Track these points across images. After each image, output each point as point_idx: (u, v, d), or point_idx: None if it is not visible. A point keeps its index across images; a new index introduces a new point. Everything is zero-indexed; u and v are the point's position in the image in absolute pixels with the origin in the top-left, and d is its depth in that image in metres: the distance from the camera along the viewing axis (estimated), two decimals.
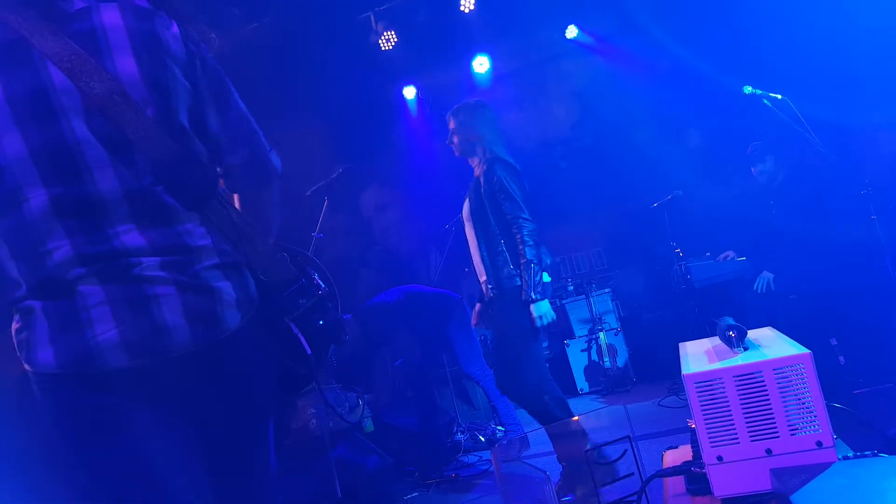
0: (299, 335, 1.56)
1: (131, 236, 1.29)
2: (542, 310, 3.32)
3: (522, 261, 3.32)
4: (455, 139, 3.58)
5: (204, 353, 1.33)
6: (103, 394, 1.27)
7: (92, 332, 1.24)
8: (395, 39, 6.45)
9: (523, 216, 3.34)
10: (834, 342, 4.23)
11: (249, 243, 1.47)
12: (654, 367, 6.08)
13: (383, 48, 6.50)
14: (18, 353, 1.31)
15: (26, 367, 1.30)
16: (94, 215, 1.27)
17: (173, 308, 1.29)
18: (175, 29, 1.41)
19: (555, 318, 3.41)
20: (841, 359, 4.21)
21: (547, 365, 3.61)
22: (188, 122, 1.41)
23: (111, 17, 1.33)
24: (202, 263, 1.36)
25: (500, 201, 3.38)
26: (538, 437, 4.94)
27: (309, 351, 1.57)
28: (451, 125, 3.60)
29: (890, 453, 1.45)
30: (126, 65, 1.32)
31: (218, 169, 1.54)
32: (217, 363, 1.36)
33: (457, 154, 3.62)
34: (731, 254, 5.26)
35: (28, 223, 1.25)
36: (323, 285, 1.66)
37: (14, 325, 1.31)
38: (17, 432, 3.31)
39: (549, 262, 3.47)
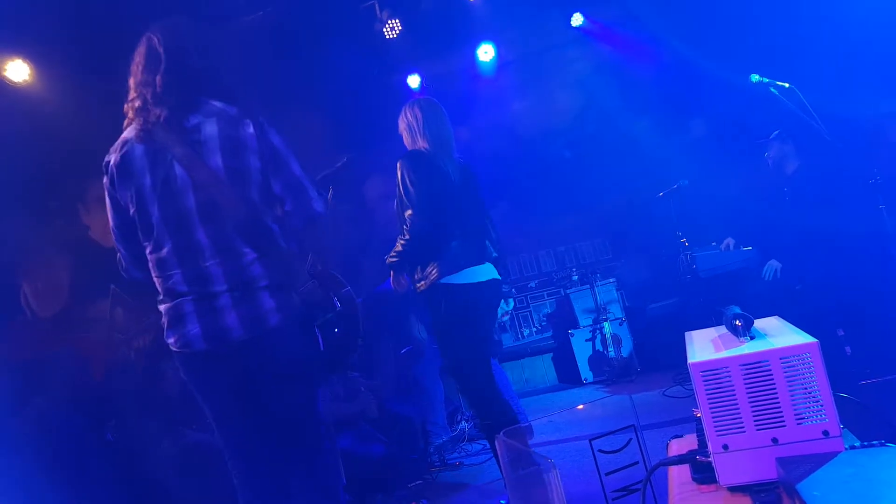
0: (319, 336, 2.39)
1: (211, 267, 2.14)
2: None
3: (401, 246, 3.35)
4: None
5: (253, 340, 2.15)
6: (195, 362, 2.19)
7: (189, 330, 2.15)
8: (400, 28, 6.41)
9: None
10: (840, 332, 4.21)
11: (292, 272, 2.29)
12: (658, 357, 6.07)
13: (388, 36, 6.46)
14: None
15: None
16: (194, 255, 2.14)
17: (231, 317, 2.14)
18: (251, 128, 2.19)
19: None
20: (847, 349, 4.19)
21: (484, 365, 3.44)
22: (258, 192, 2.21)
23: (211, 129, 2.16)
24: (256, 285, 2.17)
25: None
26: (541, 425, 4.96)
27: (322, 348, 2.39)
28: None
29: None
30: (216, 161, 2.14)
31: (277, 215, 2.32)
32: (262, 346, 2.17)
33: None
34: (731, 241, 5.24)
35: (163, 259, 2.16)
36: (339, 305, 2.48)
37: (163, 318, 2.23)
38: (16, 435, 3.33)
39: (461, 262, 3.35)
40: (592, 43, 7.02)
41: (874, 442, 1.46)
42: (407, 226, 3.27)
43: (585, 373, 6.45)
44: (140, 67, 2.24)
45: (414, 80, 7.19)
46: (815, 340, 1.47)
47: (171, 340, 2.19)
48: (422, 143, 3.44)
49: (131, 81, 2.27)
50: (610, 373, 6.27)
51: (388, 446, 4.28)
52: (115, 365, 3.96)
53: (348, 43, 6.22)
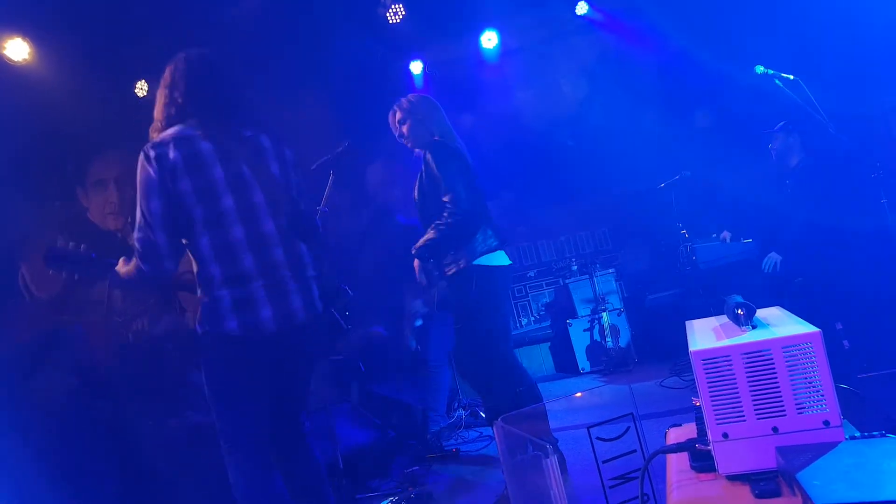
0: (338, 317, 2.89)
1: (278, 254, 2.40)
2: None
3: (437, 231, 3.37)
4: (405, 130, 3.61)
5: (307, 324, 2.45)
6: (261, 348, 2.34)
7: (261, 315, 2.32)
8: (404, 13, 6.36)
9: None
10: (839, 326, 4.21)
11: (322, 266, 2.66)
12: (656, 348, 6.08)
13: (391, 21, 6.41)
14: (204, 319, 2.31)
15: (207, 328, 2.31)
16: (262, 242, 2.38)
17: (297, 301, 2.42)
18: (289, 151, 2.59)
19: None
20: (845, 343, 4.19)
21: (505, 353, 3.54)
22: (298, 198, 2.59)
23: (266, 141, 2.53)
24: (307, 274, 2.50)
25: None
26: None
27: (345, 326, 2.93)
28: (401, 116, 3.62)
29: None
30: (273, 167, 2.50)
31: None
32: (312, 329, 2.50)
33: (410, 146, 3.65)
34: (728, 234, 5.23)
35: (233, 244, 2.32)
36: (350, 292, 2.95)
37: (203, 301, 2.33)
38: (12, 434, 3.33)
39: (493, 243, 3.44)
40: (597, 32, 6.96)
41: (874, 432, 1.46)
42: (448, 211, 3.30)
43: (583, 362, 6.46)
44: (172, 83, 2.44)
45: (416, 67, 7.14)
46: (818, 330, 1.47)
47: (232, 325, 2.28)
48: (434, 138, 3.51)
49: (165, 93, 2.46)
50: (607, 363, 6.27)
51: (385, 432, 4.29)
52: (116, 347, 3.96)
53: (351, 27, 6.17)
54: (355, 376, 4.82)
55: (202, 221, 2.31)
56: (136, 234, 2.35)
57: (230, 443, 2.33)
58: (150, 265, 2.33)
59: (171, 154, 2.29)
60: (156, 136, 2.38)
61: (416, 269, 3.49)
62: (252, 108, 2.57)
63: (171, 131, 2.37)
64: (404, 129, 3.59)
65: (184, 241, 2.35)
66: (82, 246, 2.49)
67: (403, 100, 3.62)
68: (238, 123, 2.47)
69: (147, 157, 2.31)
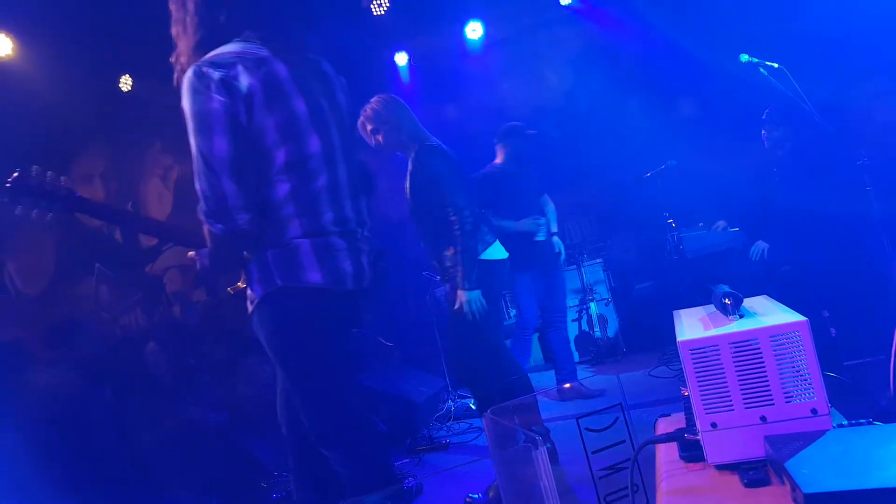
0: (378, 281, 2.39)
1: (348, 209, 2.05)
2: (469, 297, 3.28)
3: (457, 249, 3.26)
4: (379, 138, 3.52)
5: (367, 288, 2.13)
6: (340, 304, 2.02)
7: (343, 267, 1.99)
8: (388, 4, 6.33)
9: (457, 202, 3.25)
10: (826, 314, 4.24)
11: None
12: (644, 338, 6.11)
13: (375, 13, 6.37)
14: (275, 272, 1.91)
15: (279, 282, 1.91)
16: (337, 194, 2.02)
17: (366, 259, 2.10)
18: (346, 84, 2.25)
19: (484, 307, 3.30)
20: (832, 331, 4.21)
21: (498, 349, 3.52)
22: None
23: (328, 68, 2.20)
24: (366, 234, 2.15)
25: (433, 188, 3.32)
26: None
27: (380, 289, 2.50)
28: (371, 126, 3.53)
29: (883, 422, 1.44)
30: (341, 100, 2.15)
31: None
32: (366, 295, 2.17)
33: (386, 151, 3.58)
34: (722, 223, 5.25)
35: (315, 193, 1.95)
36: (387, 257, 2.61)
37: (267, 253, 1.92)
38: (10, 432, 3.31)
39: (490, 238, 3.48)
40: (582, 22, 6.95)
41: (861, 420, 1.47)
42: (458, 220, 3.21)
43: None
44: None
45: (401, 59, 7.12)
46: (805, 319, 1.47)
47: (315, 277, 1.90)
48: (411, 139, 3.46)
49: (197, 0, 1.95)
50: (595, 353, 6.30)
51: (375, 424, 4.28)
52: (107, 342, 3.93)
53: (335, 19, 6.13)
54: (377, 353, 4.79)
55: (283, 167, 1.88)
56: (198, 185, 1.84)
57: (322, 409, 2.00)
58: (223, 223, 1.83)
59: (245, 78, 1.80)
60: (187, 58, 1.89)
61: (461, 296, 3.30)
62: (310, 18, 2.17)
63: (230, 48, 1.86)
64: (379, 138, 3.51)
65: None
66: (63, 178, 1.98)
67: (367, 108, 3.52)
68: (301, 41, 2.04)
69: (204, 79, 1.77)
